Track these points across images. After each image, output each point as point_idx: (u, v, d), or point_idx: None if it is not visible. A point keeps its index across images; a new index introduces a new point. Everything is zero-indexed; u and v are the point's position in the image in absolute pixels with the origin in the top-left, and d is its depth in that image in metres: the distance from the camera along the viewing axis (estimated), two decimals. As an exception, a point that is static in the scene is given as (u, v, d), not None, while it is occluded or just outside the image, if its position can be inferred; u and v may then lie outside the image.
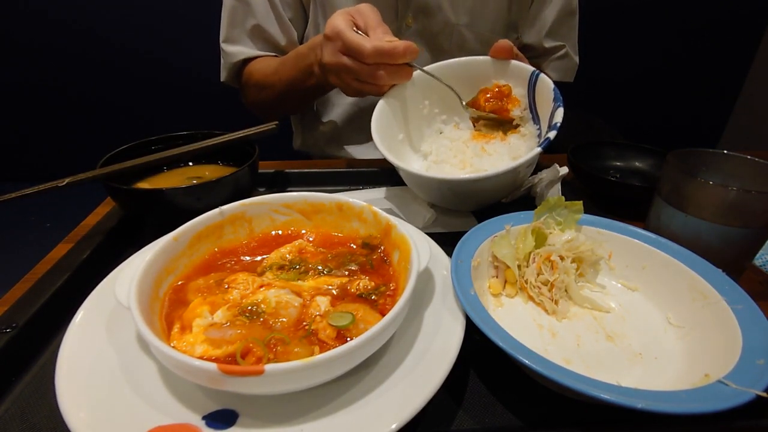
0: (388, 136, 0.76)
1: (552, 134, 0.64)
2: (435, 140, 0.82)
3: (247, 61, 1.03)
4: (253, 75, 1.02)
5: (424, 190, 0.73)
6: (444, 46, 1.02)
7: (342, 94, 1.10)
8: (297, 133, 1.27)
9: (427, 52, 1.03)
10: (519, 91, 0.77)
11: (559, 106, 0.66)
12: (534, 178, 0.76)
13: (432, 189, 0.71)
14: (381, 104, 0.77)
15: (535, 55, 1.12)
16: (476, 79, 0.80)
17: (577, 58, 1.14)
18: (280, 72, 0.95)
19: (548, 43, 1.10)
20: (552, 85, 0.70)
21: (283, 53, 1.02)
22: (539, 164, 0.77)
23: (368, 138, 1.13)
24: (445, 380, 0.39)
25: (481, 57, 0.79)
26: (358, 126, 1.13)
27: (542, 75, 0.72)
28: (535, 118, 0.75)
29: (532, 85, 0.74)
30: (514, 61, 0.76)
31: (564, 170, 0.76)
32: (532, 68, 0.74)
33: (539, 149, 0.63)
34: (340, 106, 1.13)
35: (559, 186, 0.76)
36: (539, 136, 0.73)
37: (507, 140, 0.76)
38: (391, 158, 0.68)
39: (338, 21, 0.72)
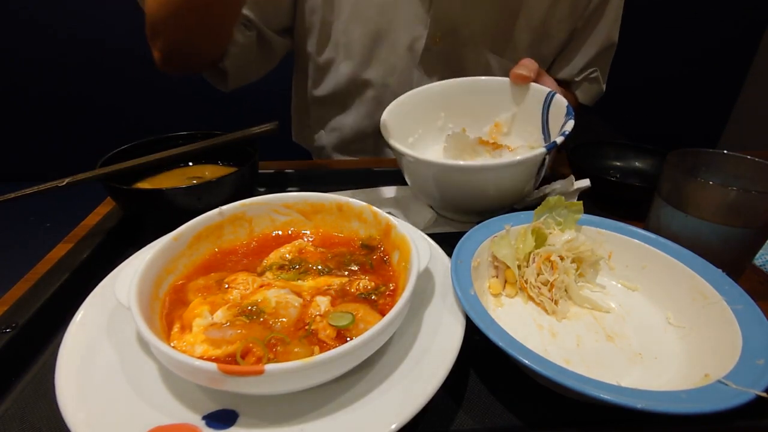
0: (397, 136, 0.76)
1: (560, 139, 0.64)
2: (442, 146, 0.81)
3: None
4: None
5: (426, 192, 0.73)
6: (468, 72, 0.99)
7: (340, 117, 1.08)
8: (295, 131, 1.27)
9: (450, 75, 1.01)
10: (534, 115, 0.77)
11: (570, 119, 0.68)
12: (546, 188, 0.74)
13: (435, 189, 0.70)
14: (394, 105, 0.77)
15: (563, 82, 1.07)
16: (491, 100, 0.81)
17: (603, 86, 1.09)
18: None
19: (579, 75, 1.06)
20: (565, 103, 0.71)
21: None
22: (555, 175, 0.77)
23: (369, 153, 1.14)
24: (445, 380, 0.39)
25: (498, 78, 0.80)
26: (358, 148, 1.12)
27: (557, 95, 0.73)
28: (547, 138, 0.76)
29: (546, 105, 0.75)
30: (532, 84, 0.76)
31: (582, 183, 0.71)
32: (547, 89, 0.75)
33: (544, 149, 0.63)
34: (337, 130, 1.11)
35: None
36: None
37: (515, 151, 0.77)
38: (399, 147, 0.67)
39: None
